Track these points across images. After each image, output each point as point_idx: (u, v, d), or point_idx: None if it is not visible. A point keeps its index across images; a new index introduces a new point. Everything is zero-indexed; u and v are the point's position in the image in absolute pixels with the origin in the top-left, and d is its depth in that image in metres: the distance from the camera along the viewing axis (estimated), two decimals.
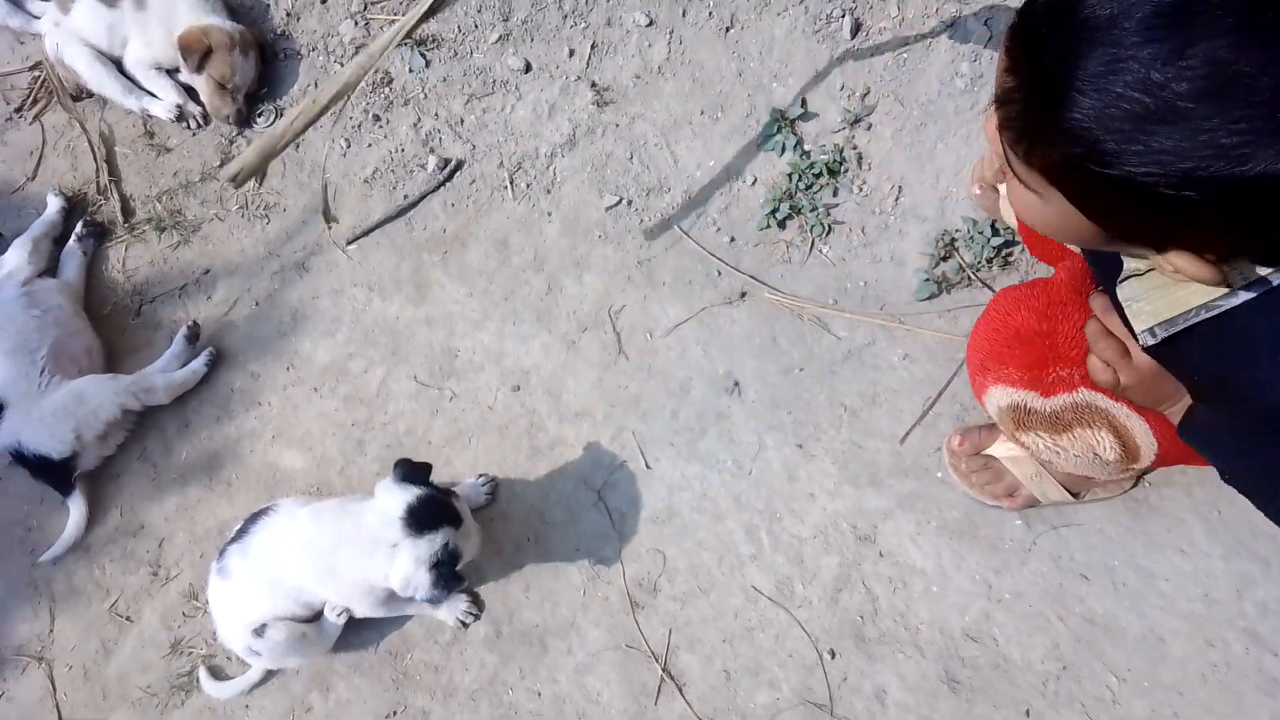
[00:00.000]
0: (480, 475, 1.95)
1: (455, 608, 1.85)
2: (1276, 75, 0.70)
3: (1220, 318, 0.95)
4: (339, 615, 1.79)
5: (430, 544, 1.56)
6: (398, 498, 1.59)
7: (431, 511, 1.59)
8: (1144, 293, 1.03)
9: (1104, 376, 1.22)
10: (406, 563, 1.54)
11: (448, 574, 1.57)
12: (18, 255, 2.13)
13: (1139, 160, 0.76)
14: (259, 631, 1.70)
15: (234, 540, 1.71)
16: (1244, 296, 0.93)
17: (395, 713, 1.83)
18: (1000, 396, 1.55)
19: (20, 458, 1.95)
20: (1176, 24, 0.73)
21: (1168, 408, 1.26)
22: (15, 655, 1.95)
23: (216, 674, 1.89)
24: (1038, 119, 0.83)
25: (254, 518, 1.71)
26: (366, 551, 1.58)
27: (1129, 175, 0.77)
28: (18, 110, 2.46)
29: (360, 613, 1.77)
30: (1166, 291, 1.00)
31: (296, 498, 1.75)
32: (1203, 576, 1.77)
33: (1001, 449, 1.79)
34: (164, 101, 2.35)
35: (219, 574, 1.70)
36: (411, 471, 1.64)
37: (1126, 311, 1.06)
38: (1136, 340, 1.06)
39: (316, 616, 1.79)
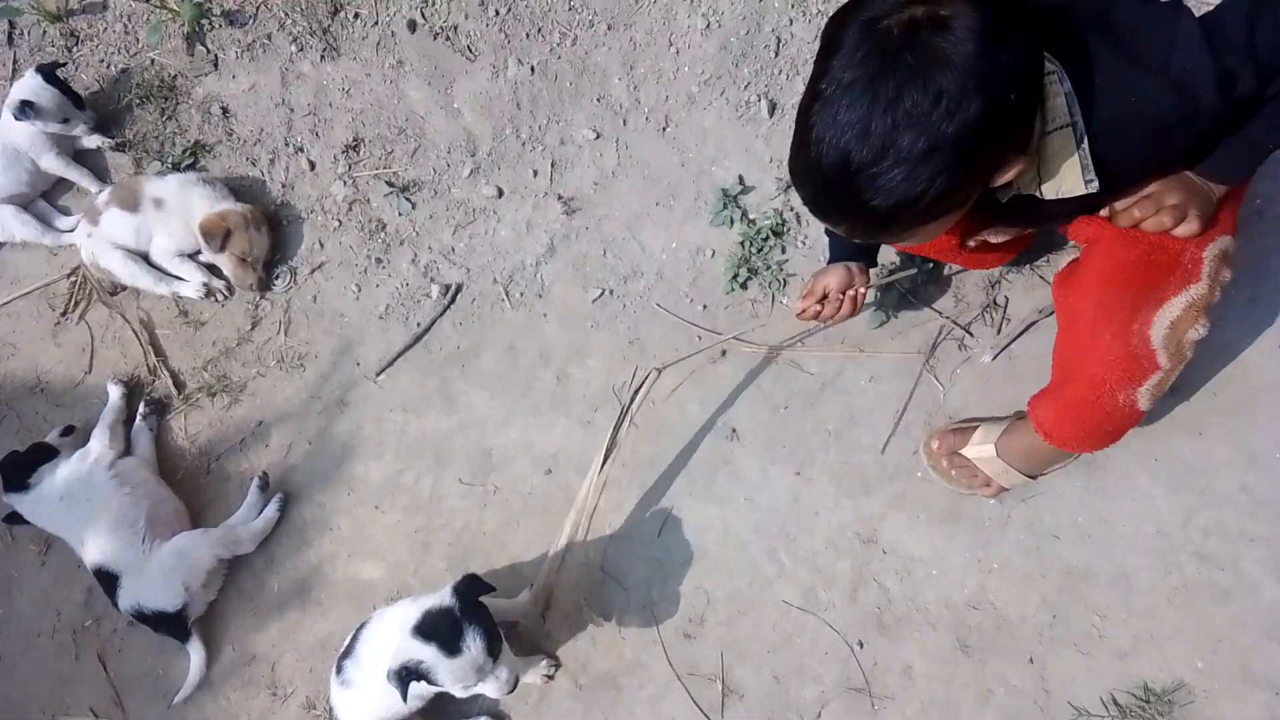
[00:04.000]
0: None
1: (536, 669, 2.14)
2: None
3: (1079, 127, 1.34)
4: None
5: (398, 657, 1.76)
6: (433, 602, 1.82)
7: (429, 627, 1.78)
8: (1054, 184, 1.41)
9: (1169, 221, 1.50)
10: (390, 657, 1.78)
11: (401, 684, 1.74)
12: (99, 443, 2.44)
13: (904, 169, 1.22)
14: None
15: (346, 654, 2.00)
16: (1067, 112, 1.33)
17: None
18: (1170, 310, 1.58)
19: (142, 616, 2.26)
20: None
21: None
22: None
23: None
24: (867, 224, 1.33)
25: (360, 629, 2.00)
26: (390, 641, 1.83)
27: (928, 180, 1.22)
28: (63, 314, 2.78)
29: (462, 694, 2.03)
30: (1052, 168, 1.39)
31: (388, 605, 2.05)
32: (1152, 515, 2.10)
33: (972, 451, 2.11)
34: (191, 283, 2.68)
35: (342, 685, 1.98)
36: (463, 587, 1.84)
37: (1068, 196, 1.41)
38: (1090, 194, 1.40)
39: (435, 709, 2.05)
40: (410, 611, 1.84)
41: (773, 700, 2.10)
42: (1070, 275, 1.81)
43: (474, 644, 1.76)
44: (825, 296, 1.97)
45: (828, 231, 2.08)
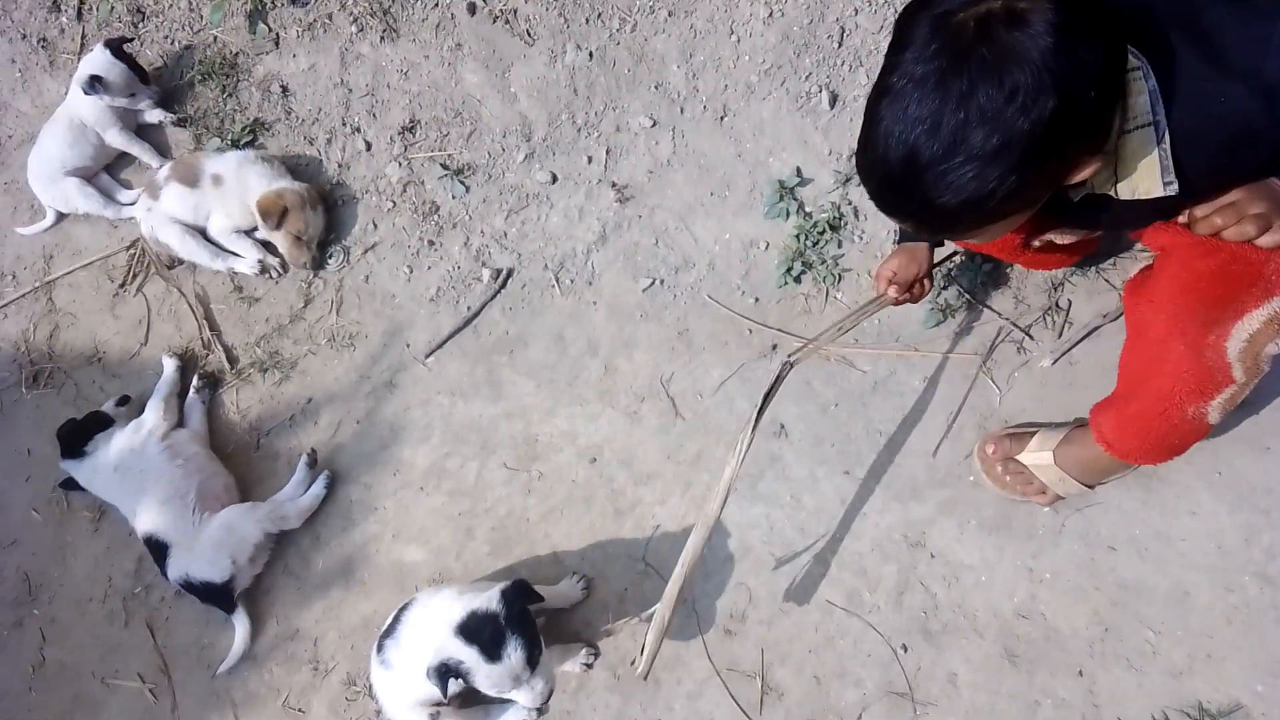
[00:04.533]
0: (575, 574, 2.23)
1: (575, 658, 2.14)
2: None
3: (1161, 125, 1.30)
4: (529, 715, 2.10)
5: (438, 654, 1.78)
6: (480, 601, 1.81)
7: (478, 630, 1.78)
8: (1130, 185, 1.37)
9: (1252, 230, 1.38)
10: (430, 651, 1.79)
11: (440, 680, 1.75)
12: (153, 415, 2.48)
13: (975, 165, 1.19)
14: (434, 718, 2.01)
15: (387, 634, 2.01)
16: (1149, 110, 1.29)
17: None
18: (1249, 323, 1.51)
19: (190, 586, 2.29)
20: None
21: None
22: None
23: None
24: (932, 221, 1.31)
25: (402, 609, 2.01)
26: (430, 634, 1.83)
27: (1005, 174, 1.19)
28: (122, 286, 2.83)
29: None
30: (1129, 168, 1.35)
31: (432, 589, 2.05)
32: (1214, 532, 2.04)
33: (1029, 457, 2.06)
34: (247, 259, 2.71)
35: (381, 665, 1.99)
36: (510, 594, 1.83)
37: (1144, 199, 1.37)
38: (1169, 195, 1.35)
39: (473, 697, 2.06)
40: (455, 607, 1.84)
41: (812, 701, 2.07)
42: (1142, 284, 1.75)
43: (515, 653, 1.77)
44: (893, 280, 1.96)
45: None
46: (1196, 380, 1.58)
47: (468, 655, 1.76)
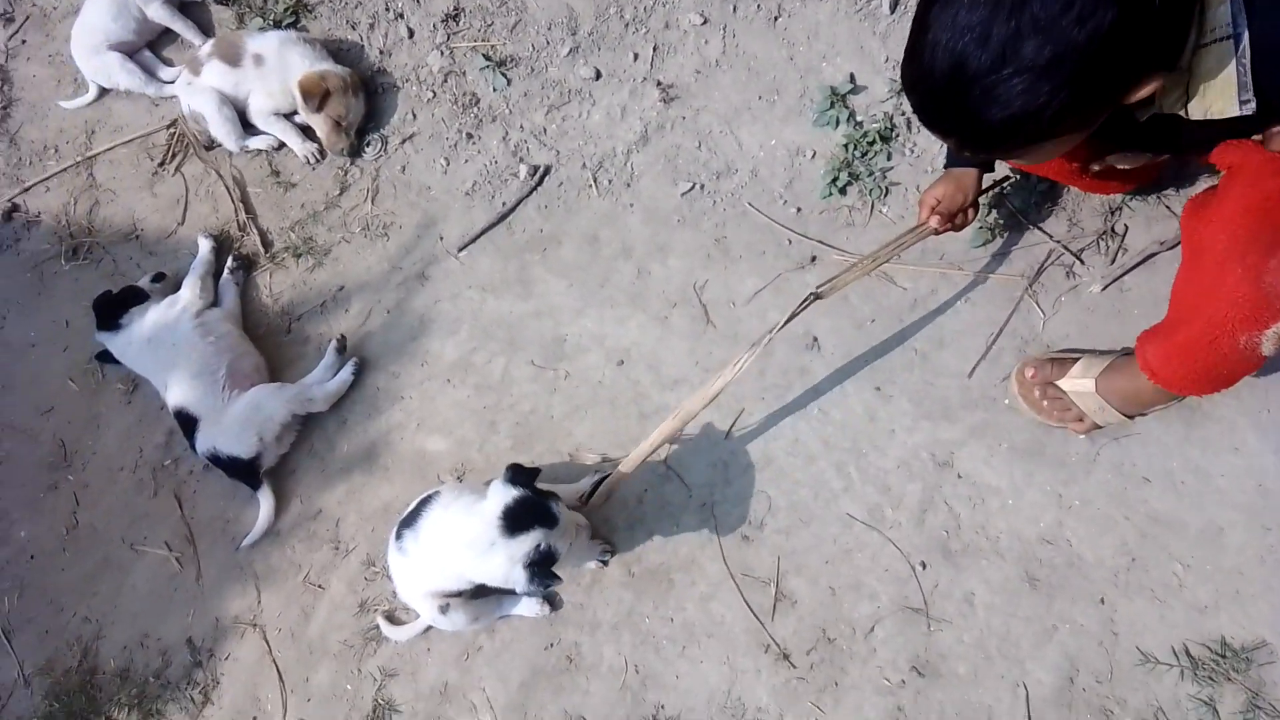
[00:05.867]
0: (596, 472, 2.17)
1: (591, 551, 2.15)
2: None
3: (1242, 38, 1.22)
4: (540, 604, 2.14)
5: (521, 544, 1.75)
6: (498, 500, 1.80)
7: (526, 513, 1.77)
8: (1202, 104, 1.30)
9: None
10: (501, 561, 1.77)
11: (542, 572, 1.74)
12: (189, 293, 2.49)
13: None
14: (443, 609, 2.03)
15: (407, 523, 2.01)
16: (1230, 21, 1.20)
17: (551, 645, 2.16)
18: None
19: (217, 460, 2.33)
20: None
21: None
22: (234, 624, 2.34)
23: (393, 620, 2.24)
24: (978, 138, 1.25)
25: (425, 501, 2.01)
26: (480, 550, 1.80)
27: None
28: (161, 164, 2.83)
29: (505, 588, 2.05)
30: (1203, 85, 1.28)
31: (455, 487, 2.02)
32: (1256, 471, 1.97)
33: (1069, 384, 1.99)
34: (290, 142, 2.68)
35: (398, 551, 2.01)
36: (517, 475, 1.81)
37: (1218, 118, 1.30)
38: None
39: (484, 590, 2.08)
40: (476, 520, 1.81)
41: (825, 610, 2.06)
42: (1204, 204, 1.64)
43: (560, 509, 1.81)
44: (936, 207, 1.88)
45: None
46: (1252, 307, 1.49)
47: (537, 537, 1.76)
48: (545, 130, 2.56)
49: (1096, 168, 1.84)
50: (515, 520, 1.77)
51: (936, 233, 1.91)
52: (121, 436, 2.59)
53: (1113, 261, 2.15)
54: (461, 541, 1.82)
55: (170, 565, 2.44)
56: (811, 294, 1.87)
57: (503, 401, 2.38)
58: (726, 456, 2.21)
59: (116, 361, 2.54)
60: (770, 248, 2.36)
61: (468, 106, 2.61)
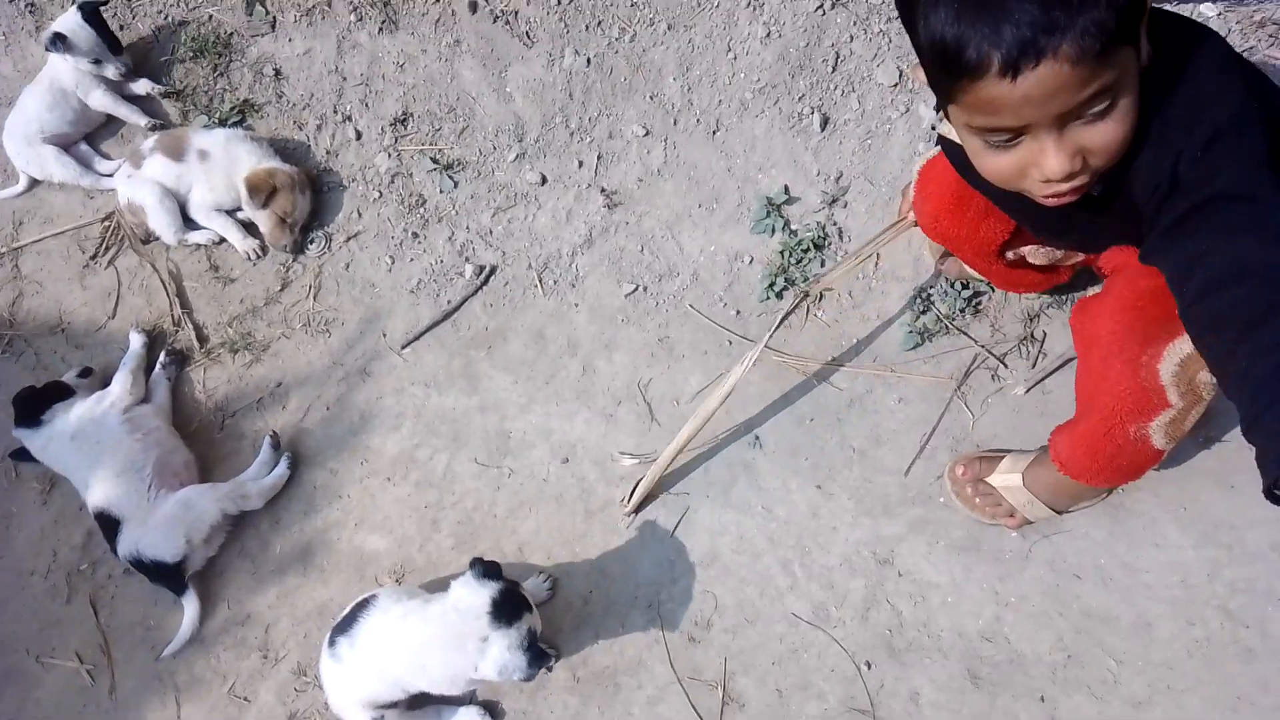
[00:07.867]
0: (541, 574, 2.19)
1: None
2: None
3: None
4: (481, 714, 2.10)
5: (518, 631, 1.76)
6: (480, 595, 1.79)
7: (512, 602, 1.79)
8: None
9: None
10: (502, 652, 1.76)
11: (538, 652, 1.78)
12: (119, 388, 2.40)
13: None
14: None
15: (341, 628, 1.94)
16: None
17: None
18: (1180, 346, 1.50)
19: (140, 564, 2.21)
20: None
21: None
22: None
23: None
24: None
25: (361, 605, 1.94)
26: (455, 648, 1.78)
27: None
28: (93, 257, 2.77)
29: (452, 693, 2.01)
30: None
31: (393, 591, 1.98)
32: (1178, 565, 2.06)
33: (999, 479, 2.07)
34: (228, 238, 2.66)
35: (331, 657, 1.93)
36: (489, 569, 1.82)
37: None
38: None
39: (423, 699, 2.02)
40: (455, 619, 1.80)
41: (773, 713, 2.05)
42: (1090, 302, 1.75)
43: (529, 596, 1.89)
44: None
45: (939, 141, 1.76)
46: (1134, 399, 1.56)
47: (529, 623, 1.80)
48: (491, 231, 2.61)
49: (1011, 256, 1.93)
50: (506, 610, 1.78)
51: (916, 224, 1.96)
52: (35, 538, 2.45)
53: (1034, 365, 2.27)
54: (436, 644, 1.82)
55: (81, 678, 2.28)
56: (802, 292, 1.92)
57: (445, 499, 2.35)
58: (672, 554, 2.21)
59: (34, 460, 2.42)
60: (712, 347, 2.42)
61: (414, 207, 2.65)
